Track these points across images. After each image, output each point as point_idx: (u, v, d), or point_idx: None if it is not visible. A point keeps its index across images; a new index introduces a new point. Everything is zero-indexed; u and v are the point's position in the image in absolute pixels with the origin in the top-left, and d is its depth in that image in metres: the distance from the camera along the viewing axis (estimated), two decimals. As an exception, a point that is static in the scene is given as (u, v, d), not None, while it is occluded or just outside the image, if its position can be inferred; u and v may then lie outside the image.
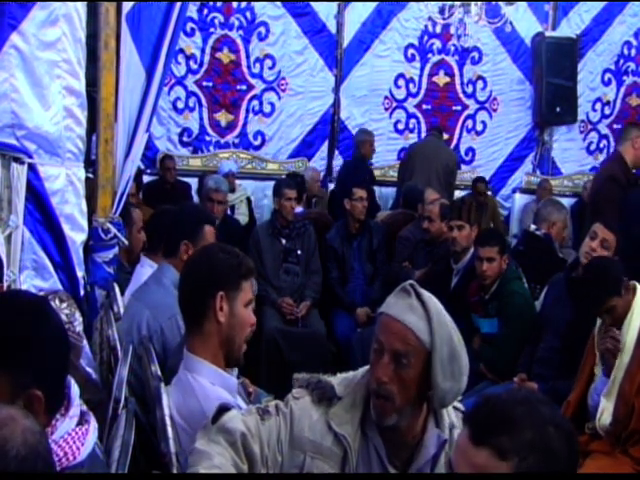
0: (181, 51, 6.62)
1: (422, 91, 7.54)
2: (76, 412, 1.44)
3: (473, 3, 5.77)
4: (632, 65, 7.97)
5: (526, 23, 7.59)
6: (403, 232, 5.09)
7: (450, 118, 7.69)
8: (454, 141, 7.70)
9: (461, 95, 7.68)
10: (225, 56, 6.88)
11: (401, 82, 7.46)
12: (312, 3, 6.97)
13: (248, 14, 6.87)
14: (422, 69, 7.49)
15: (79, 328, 2.50)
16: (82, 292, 3.07)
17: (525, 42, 7.65)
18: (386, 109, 7.45)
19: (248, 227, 5.95)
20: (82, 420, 1.44)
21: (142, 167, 6.15)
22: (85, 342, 2.69)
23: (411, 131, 7.57)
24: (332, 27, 7.10)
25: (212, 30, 6.79)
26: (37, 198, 2.83)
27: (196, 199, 6.12)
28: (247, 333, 2.02)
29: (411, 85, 7.50)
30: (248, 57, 6.94)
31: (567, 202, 6.42)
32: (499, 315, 3.82)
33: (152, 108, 3.46)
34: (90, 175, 3.30)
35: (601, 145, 8.13)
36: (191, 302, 2.01)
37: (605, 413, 2.91)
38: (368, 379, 1.68)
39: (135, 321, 2.51)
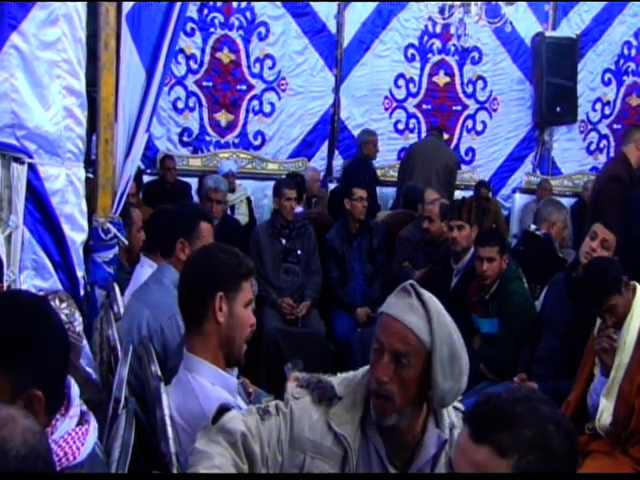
0: (181, 51, 6.61)
1: (422, 91, 7.54)
2: (76, 412, 1.44)
3: (473, 3, 5.77)
4: (632, 65, 7.97)
5: (526, 23, 7.59)
6: (403, 232, 5.08)
7: (450, 118, 7.69)
8: (454, 141, 7.69)
9: (461, 95, 7.68)
10: (225, 56, 6.88)
11: (401, 82, 7.46)
12: (312, 3, 6.97)
13: (248, 14, 6.87)
14: (422, 69, 7.49)
15: (79, 328, 2.50)
16: (82, 292, 3.07)
17: (525, 42, 7.65)
18: (386, 109, 7.45)
19: (248, 227, 5.94)
20: (82, 420, 1.45)
21: (142, 167, 6.14)
22: (85, 342, 2.69)
23: (411, 131, 7.57)
24: (332, 27, 7.10)
25: (212, 30, 6.78)
26: (37, 198, 2.83)
27: (196, 199, 6.12)
28: (247, 333, 2.02)
29: (411, 85, 7.50)
30: (248, 57, 6.94)
31: (567, 202, 6.42)
32: (499, 315, 3.82)
33: (152, 108, 3.46)
34: (90, 175, 3.30)
35: (601, 145, 8.12)
36: (191, 302, 2.01)
37: (605, 413, 2.91)
38: (368, 379, 1.68)
39: (135, 321, 2.51)
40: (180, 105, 6.80)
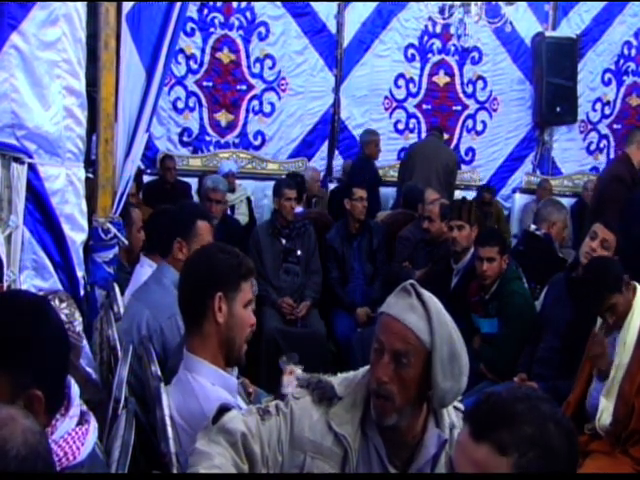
0: (181, 51, 6.62)
1: (422, 91, 7.54)
2: (76, 412, 1.44)
3: (473, 3, 5.77)
4: (632, 65, 7.97)
5: (526, 23, 7.59)
6: (403, 232, 5.08)
7: (450, 118, 7.69)
8: (454, 141, 7.69)
9: (461, 95, 7.68)
10: (225, 56, 6.88)
11: (401, 82, 7.46)
12: (312, 3, 6.97)
13: (248, 14, 6.87)
14: (422, 69, 7.49)
15: (79, 328, 2.50)
16: (82, 292, 3.07)
17: (525, 42, 7.65)
18: (386, 109, 7.45)
19: (248, 227, 5.94)
20: (82, 420, 1.45)
21: (142, 167, 6.14)
22: (85, 342, 2.69)
23: (411, 131, 7.57)
24: (332, 27, 7.10)
25: (212, 30, 6.78)
26: (37, 198, 2.83)
27: (196, 199, 6.11)
28: (247, 333, 2.02)
29: (411, 85, 7.50)
30: (248, 57, 6.94)
31: (567, 202, 6.42)
32: (499, 315, 3.82)
33: (152, 108, 3.46)
34: (90, 175, 3.30)
35: (601, 145, 8.12)
36: (190, 302, 2.00)
37: (605, 413, 2.91)
38: (368, 379, 1.68)
39: (135, 321, 2.51)
40: (180, 105, 6.80)
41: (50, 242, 2.90)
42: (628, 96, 8.06)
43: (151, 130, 4.49)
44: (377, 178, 6.75)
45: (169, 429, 1.82)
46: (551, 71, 7.44)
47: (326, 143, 7.32)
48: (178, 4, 3.40)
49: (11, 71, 2.66)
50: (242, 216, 6.37)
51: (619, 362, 2.92)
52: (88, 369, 2.55)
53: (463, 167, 7.66)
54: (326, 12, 7.04)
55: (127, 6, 3.34)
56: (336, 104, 7.23)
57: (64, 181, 2.93)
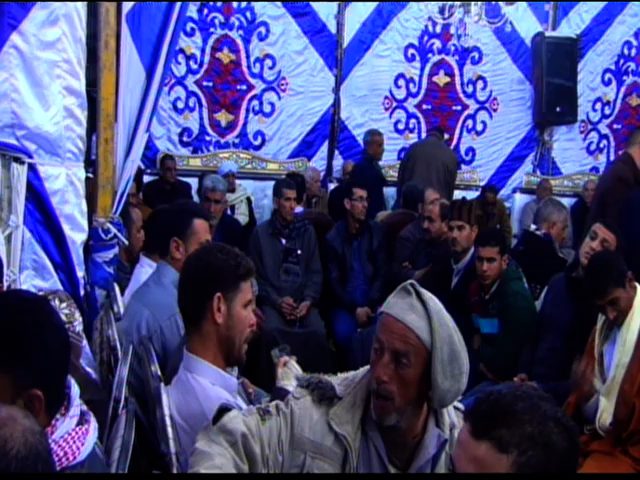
0: (181, 51, 6.62)
1: (422, 91, 7.54)
2: (76, 412, 1.44)
3: (473, 3, 5.78)
4: (632, 65, 7.98)
5: (526, 23, 7.59)
6: (403, 232, 5.08)
7: (450, 118, 7.69)
8: (454, 141, 7.70)
9: (461, 95, 7.68)
10: (225, 56, 6.88)
11: (401, 82, 7.46)
12: (312, 3, 6.97)
13: (248, 14, 6.87)
14: (422, 69, 7.49)
15: (79, 328, 2.50)
16: (82, 292, 3.06)
17: (525, 42, 7.66)
18: (386, 109, 7.45)
19: (248, 227, 5.94)
20: (82, 420, 1.45)
21: (142, 167, 6.14)
22: (85, 342, 2.69)
23: (411, 131, 7.57)
24: (332, 27, 7.11)
25: (212, 30, 6.79)
26: (37, 198, 2.82)
27: (196, 199, 6.12)
28: (247, 333, 2.02)
29: (411, 85, 7.50)
30: (248, 57, 6.94)
31: (567, 202, 6.43)
32: (499, 315, 3.82)
33: (152, 108, 3.45)
34: (90, 175, 3.29)
35: (601, 145, 8.13)
36: (189, 303, 2.00)
37: (605, 413, 2.91)
38: (368, 379, 1.68)
39: (135, 321, 2.51)
40: (180, 105, 6.80)
41: (50, 242, 2.90)
42: (628, 96, 8.06)
43: (151, 130, 4.49)
44: (380, 178, 6.75)
45: (169, 429, 1.82)
46: (551, 71, 7.45)
47: (326, 143, 7.32)
48: (178, 4, 3.40)
49: (11, 71, 2.66)
50: (242, 216, 6.37)
51: (619, 362, 2.92)
52: (88, 369, 2.55)
53: (463, 167, 7.66)
54: (326, 12, 7.05)
55: (127, 6, 3.34)
56: (336, 104, 7.23)
57: (64, 181, 2.93)
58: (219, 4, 6.79)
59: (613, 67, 7.94)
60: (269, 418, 1.67)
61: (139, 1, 3.36)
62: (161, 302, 2.51)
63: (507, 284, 3.81)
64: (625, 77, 8.00)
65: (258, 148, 7.14)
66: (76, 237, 3.01)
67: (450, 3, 6.21)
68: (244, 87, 6.99)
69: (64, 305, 2.41)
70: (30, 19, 2.68)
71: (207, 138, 6.97)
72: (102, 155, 3.32)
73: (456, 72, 7.60)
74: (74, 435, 1.39)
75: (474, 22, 6.03)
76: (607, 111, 8.06)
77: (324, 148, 7.33)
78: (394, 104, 7.47)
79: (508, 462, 1.14)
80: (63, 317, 2.27)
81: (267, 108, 7.08)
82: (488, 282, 3.82)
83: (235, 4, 6.82)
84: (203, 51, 6.79)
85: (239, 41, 6.89)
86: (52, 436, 1.35)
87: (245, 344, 2.02)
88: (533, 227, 4.63)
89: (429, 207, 4.80)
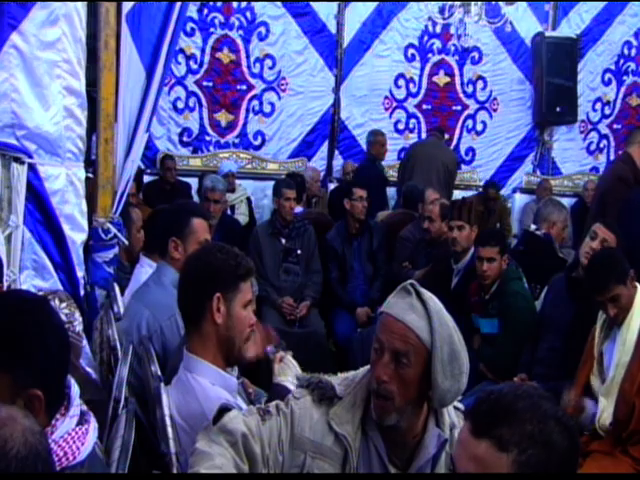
0: (181, 51, 6.62)
1: (422, 91, 7.54)
2: (76, 412, 1.44)
3: (473, 3, 5.78)
4: (632, 65, 7.98)
5: (526, 23, 7.59)
6: (403, 232, 5.08)
7: (450, 118, 7.69)
8: (454, 141, 7.70)
9: (461, 95, 7.68)
10: (225, 56, 6.88)
11: (401, 82, 7.46)
12: (312, 3, 6.97)
13: (248, 14, 6.87)
14: (422, 69, 7.49)
15: (79, 328, 2.49)
16: (82, 292, 3.06)
17: (525, 42, 7.65)
18: (386, 109, 7.45)
19: (248, 227, 5.94)
20: (82, 420, 1.45)
21: (142, 167, 6.14)
22: (85, 342, 2.69)
23: (411, 131, 7.57)
24: (332, 27, 7.10)
25: (212, 30, 6.79)
26: (37, 198, 2.82)
27: (196, 199, 6.12)
28: (247, 333, 2.02)
29: (411, 85, 7.50)
30: (248, 57, 6.94)
31: (567, 202, 6.42)
32: (499, 315, 3.82)
33: (152, 108, 3.45)
34: (90, 175, 3.29)
35: (601, 145, 8.13)
36: (189, 303, 2.00)
37: (605, 413, 2.91)
38: (368, 379, 1.68)
39: (135, 321, 2.50)
40: (180, 105, 6.80)
41: (50, 242, 2.90)
42: (628, 96, 8.06)
43: (151, 130, 4.49)
44: (383, 178, 6.75)
45: (169, 429, 1.82)
46: (551, 71, 7.45)
47: (326, 143, 7.32)
48: (178, 4, 3.40)
49: (11, 71, 2.66)
50: (242, 216, 6.37)
51: (619, 361, 2.92)
52: (88, 369, 2.54)
53: (463, 167, 7.67)
54: (326, 12, 7.05)
55: (127, 6, 3.34)
56: (336, 104, 7.23)
57: (64, 181, 2.93)
58: (219, 4, 6.78)
59: (613, 67, 7.94)
60: (269, 418, 1.67)
61: (139, 1, 3.36)
62: (161, 302, 2.51)
63: (507, 284, 3.81)
64: (625, 77, 8.00)
65: (258, 148, 7.14)
66: (76, 237, 3.01)
67: (450, 3, 6.22)
68: (244, 87, 6.99)
69: (64, 305, 2.41)
70: (30, 19, 2.68)
71: (207, 138, 6.97)
72: (102, 155, 3.32)
73: (456, 72, 7.60)
74: (74, 435, 1.39)
75: (474, 22, 6.04)
76: (607, 111, 8.06)
77: (324, 148, 7.33)
78: (394, 104, 7.47)
79: (508, 461, 1.14)
80: (63, 317, 2.27)
81: (267, 108, 7.08)
82: (488, 282, 3.82)
83: (235, 4, 6.82)
84: (203, 51, 6.79)
85: (239, 41, 6.89)
86: (52, 436, 1.35)
87: (245, 344, 2.02)
88: (533, 227, 4.63)
89: (429, 207, 4.80)
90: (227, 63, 6.90)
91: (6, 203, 2.71)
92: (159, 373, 2.06)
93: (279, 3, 6.88)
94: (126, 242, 3.42)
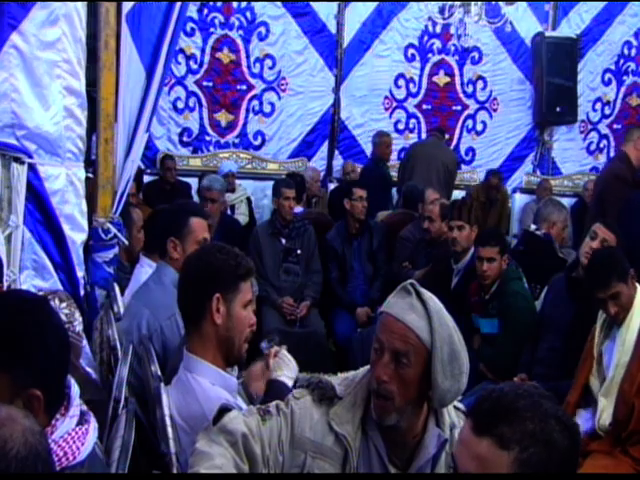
0: (181, 51, 6.62)
1: (422, 91, 7.54)
2: (76, 412, 1.44)
3: (473, 3, 5.78)
4: (632, 65, 7.97)
5: (526, 23, 7.59)
6: (403, 232, 5.09)
7: (450, 118, 7.69)
8: (454, 141, 7.70)
9: (461, 95, 7.68)
10: (225, 56, 6.88)
11: (401, 82, 7.46)
12: (312, 3, 6.97)
13: (248, 14, 6.87)
14: (422, 69, 7.49)
15: (79, 328, 2.49)
16: (82, 292, 3.06)
17: (525, 42, 7.65)
18: (386, 109, 7.45)
19: (248, 227, 5.94)
20: (82, 420, 1.45)
21: (142, 167, 6.14)
22: (85, 342, 2.69)
23: (411, 131, 7.57)
24: (332, 27, 7.10)
25: (212, 30, 6.79)
26: (37, 198, 2.82)
27: (196, 199, 6.11)
28: (246, 334, 2.02)
29: (411, 85, 7.50)
30: (248, 57, 6.94)
31: (567, 202, 6.41)
32: (499, 315, 3.82)
33: (152, 108, 3.46)
34: (90, 175, 3.29)
35: (601, 145, 8.13)
36: (189, 303, 2.00)
37: (605, 413, 2.91)
38: (369, 379, 1.68)
39: (135, 321, 2.50)
40: (180, 105, 6.80)
41: (50, 242, 2.90)
42: (628, 96, 8.06)
43: (151, 130, 4.49)
44: (387, 179, 6.74)
45: (169, 429, 1.82)
46: (551, 71, 7.45)
47: (326, 143, 7.32)
48: (178, 4, 3.40)
49: (11, 71, 2.66)
50: (242, 216, 6.37)
51: (619, 361, 2.92)
52: (88, 369, 2.54)
53: (463, 167, 7.66)
54: (326, 12, 7.05)
55: (127, 6, 3.34)
56: (336, 104, 7.23)
57: (64, 181, 2.93)
58: (219, 4, 6.78)
59: (613, 67, 7.94)
60: (269, 418, 1.67)
61: (139, 1, 3.36)
62: (161, 302, 2.51)
63: (507, 284, 3.81)
64: (625, 77, 8.00)
65: (258, 148, 7.14)
66: (76, 237, 3.01)
67: (450, 3, 6.21)
68: (244, 87, 6.99)
69: (64, 305, 2.41)
70: (30, 19, 2.68)
71: (207, 138, 6.97)
72: (102, 155, 3.32)
73: (456, 72, 7.60)
74: (74, 435, 1.39)
75: (474, 22, 6.03)
76: (607, 111, 8.06)
77: (324, 148, 7.33)
78: (394, 104, 7.47)
79: (509, 459, 1.15)
80: (63, 317, 2.27)
81: (267, 108, 7.08)
82: (488, 282, 3.82)
83: (235, 4, 6.82)
84: (203, 51, 6.79)
85: (239, 41, 6.89)
86: (52, 436, 1.35)
87: (245, 344, 2.02)
88: (533, 227, 4.63)
89: (429, 207, 4.80)
90: (227, 63, 6.90)
91: (6, 203, 2.71)
92: (159, 373, 2.05)
93: (279, 3, 6.88)
94: (126, 242, 3.42)
